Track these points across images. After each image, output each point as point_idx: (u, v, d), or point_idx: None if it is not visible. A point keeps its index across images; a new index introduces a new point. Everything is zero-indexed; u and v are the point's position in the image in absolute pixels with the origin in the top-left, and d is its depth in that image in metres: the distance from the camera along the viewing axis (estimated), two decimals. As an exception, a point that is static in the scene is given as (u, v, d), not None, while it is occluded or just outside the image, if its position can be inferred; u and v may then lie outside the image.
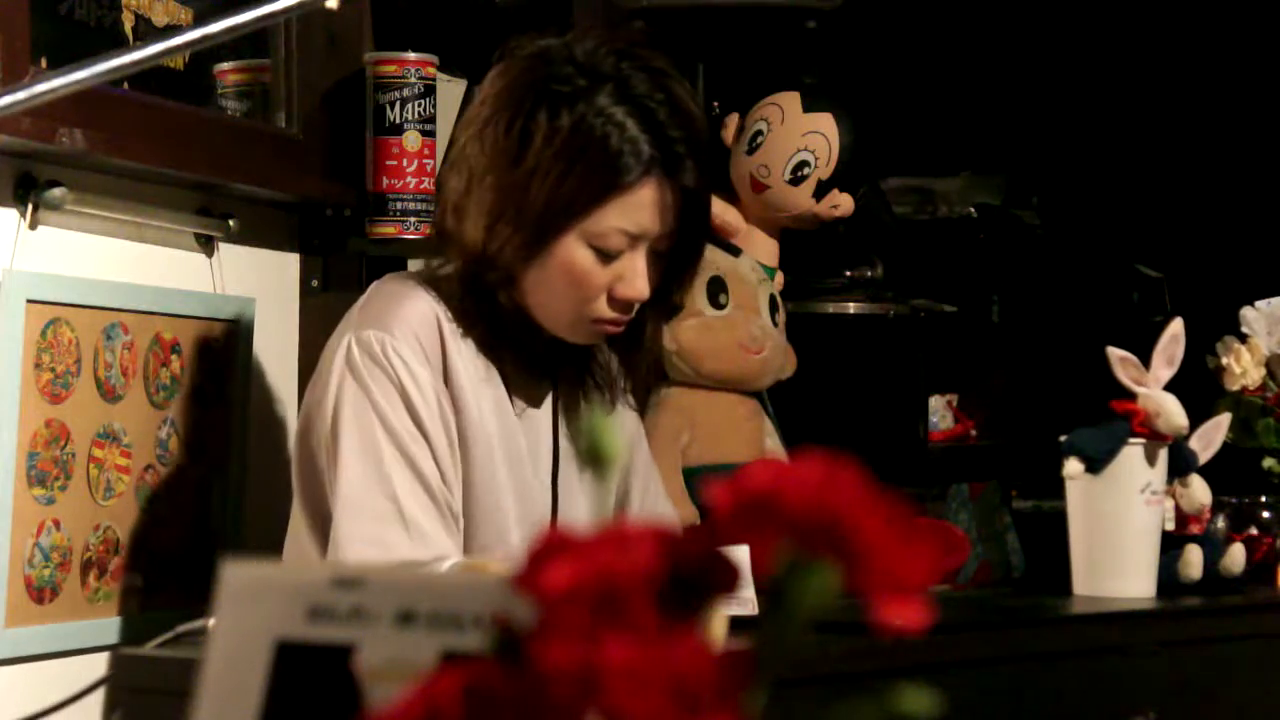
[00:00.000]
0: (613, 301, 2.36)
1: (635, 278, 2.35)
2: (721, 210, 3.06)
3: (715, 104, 3.23)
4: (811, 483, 0.74)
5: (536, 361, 2.46)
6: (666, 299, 2.45)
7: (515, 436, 2.43)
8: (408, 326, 2.35)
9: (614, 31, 2.41)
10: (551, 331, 2.40)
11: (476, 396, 2.39)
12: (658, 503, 2.63)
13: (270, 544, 2.77)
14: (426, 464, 2.32)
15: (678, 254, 2.41)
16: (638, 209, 2.33)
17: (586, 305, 2.36)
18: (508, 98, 2.34)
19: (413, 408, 2.32)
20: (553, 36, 2.40)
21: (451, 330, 2.38)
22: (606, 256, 2.33)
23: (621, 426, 2.56)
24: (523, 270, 2.35)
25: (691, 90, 2.42)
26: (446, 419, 2.35)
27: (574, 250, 2.33)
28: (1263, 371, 2.98)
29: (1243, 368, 2.96)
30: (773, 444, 3.01)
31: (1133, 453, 2.66)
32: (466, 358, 2.39)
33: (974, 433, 3.52)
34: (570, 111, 2.31)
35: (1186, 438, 2.72)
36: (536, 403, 2.47)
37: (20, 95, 1.56)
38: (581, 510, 2.48)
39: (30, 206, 2.46)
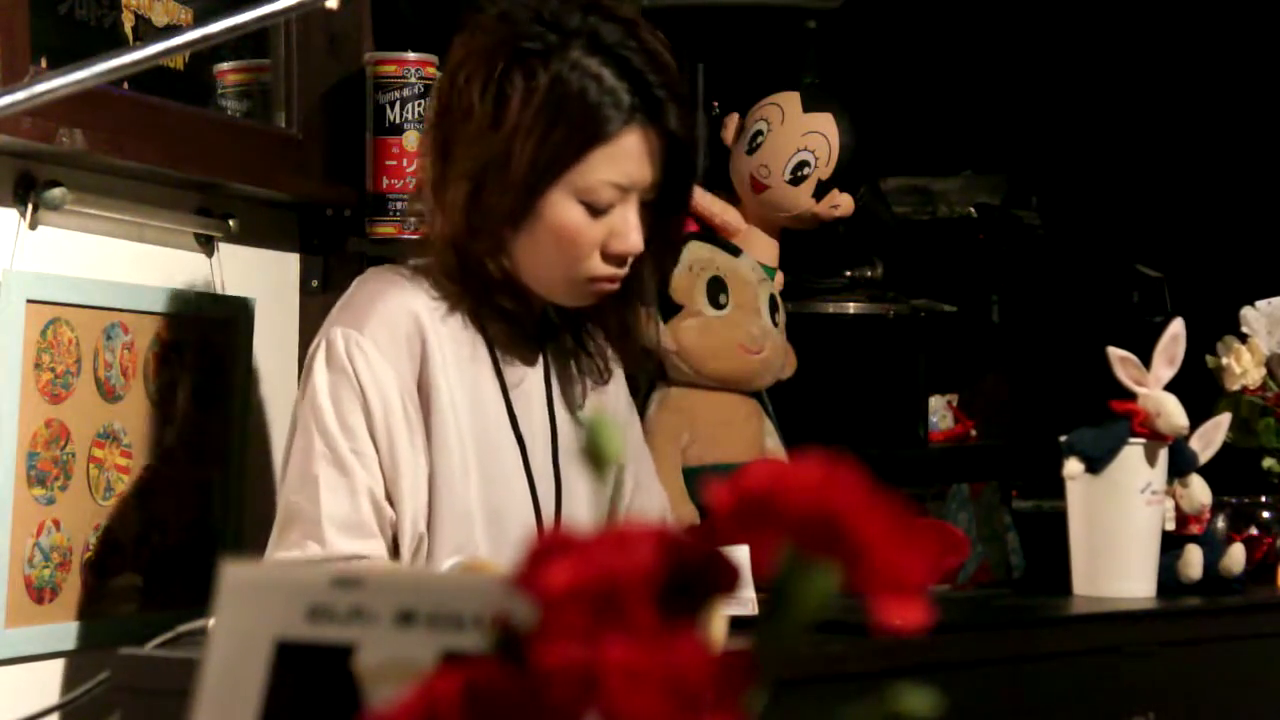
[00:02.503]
0: (606, 258, 2.34)
1: (629, 231, 2.33)
2: (721, 210, 3.07)
3: (715, 104, 3.23)
4: (811, 483, 0.74)
5: (526, 337, 2.44)
6: (658, 254, 2.44)
7: (499, 423, 2.41)
8: (381, 323, 2.33)
9: None
10: (546, 297, 2.39)
11: (456, 388, 2.36)
12: (650, 484, 2.62)
13: (270, 544, 2.77)
14: (355, 463, 2.29)
15: (664, 202, 2.39)
16: (624, 159, 2.32)
17: (580, 264, 2.34)
18: (477, 62, 2.33)
19: (366, 404, 2.30)
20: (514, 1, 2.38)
21: (433, 318, 2.36)
22: (597, 211, 2.32)
23: (614, 401, 2.55)
24: (512, 235, 2.33)
25: (664, 38, 2.40)
26: (410, 419, 2.33)
27: (564, 208, 2.31)
28: (1263, 371, 2.98)
29: (1243, 368, 2.96)
30: (773, 444, 3.01)
31: (1133, 453, 2.66)
32: (450, 344, 2.37)
33: (974, 433, 3.52)
34: (545, 69, 2.30)
35: (1187, 438, 2.72)
36: (529, 379, 2.45)
37: (20, 95, 1.56)
38: (585, 483, 2.46)
39: (30, 206, 2.46)
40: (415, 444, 2.33)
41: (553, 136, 2.29)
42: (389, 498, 2.31)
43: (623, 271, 2.37)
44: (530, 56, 2.31)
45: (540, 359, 2.47)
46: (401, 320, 2.35)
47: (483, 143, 2.30)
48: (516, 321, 2.42)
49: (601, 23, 2.34)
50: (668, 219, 2.42)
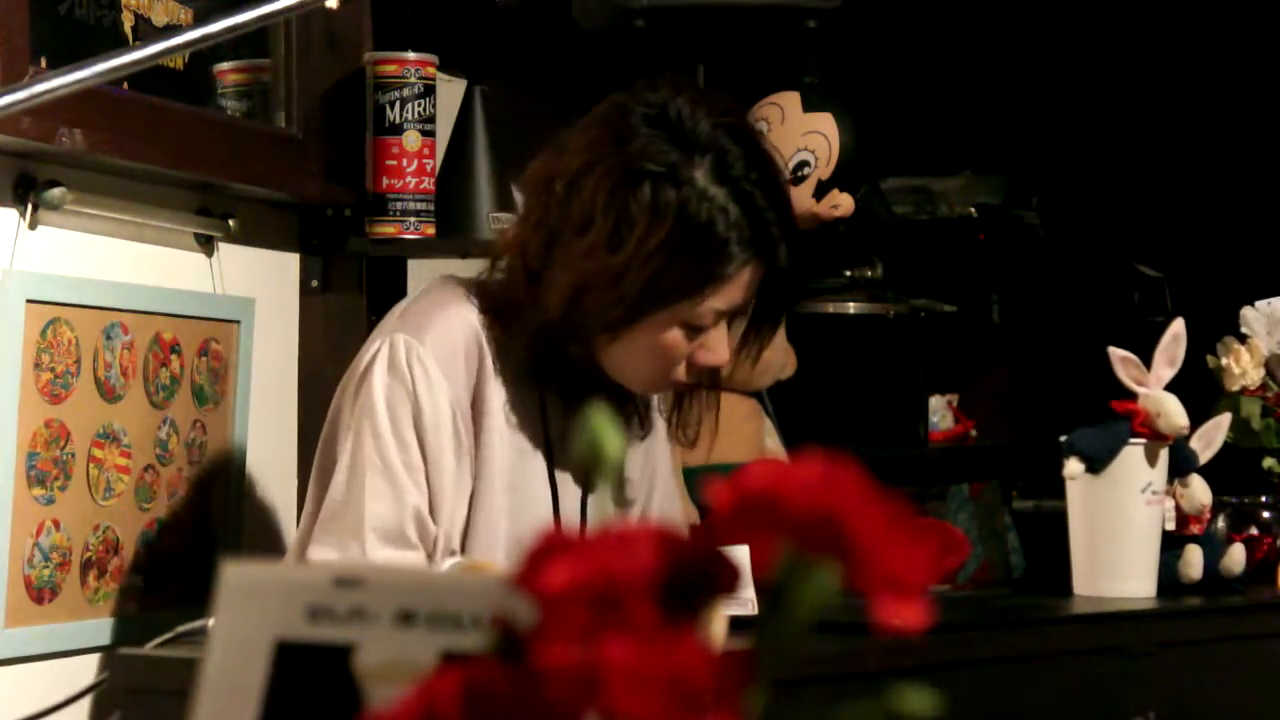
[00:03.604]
0: (691, 368, 2.35)
1: (719, 347, 2.33)
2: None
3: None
4: (811, 483, 0.74)
5: (576, 388, 2.42)
6: (742, 356, 2.45)
7: (536, 464, 2.41)
8: (443, 337, 2.33)
9: (703, 91, 2.37)
10: (618, 382, 2.38)
11: (503, 420, 2.36)
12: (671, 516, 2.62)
13: (270, 544, 2.77)
14: (404, 475, 2.29)
15: (759, 320, 2.41)
16: (733, 290, 2.31)
17: (666, 372, 2.34)
18: (602, 174, 2.27)
19: (419, 417, 2.30)
20: (644, 88, 2.34)
21: (492, 349, 2.35)
22: (695, 331, 2.32)
23: (654, 450, 2.54)
24: (607, 343, 2.32)
25: (779, 161, 2.40)
26: (459, 437, 2.33)
27: (665, 330, 2.30)
28: (1263, 372, 2.98)
29: (1243, 368, 2.96)
30: (773, 444, 3.01)
31: (1133, 453, 2.66)
32: (503, 378, 2.36)
33: (974, 433, 3.52)
34: (675, 192, 2.26)
35: (1187, 438, 2.72)
36: (571, 425, 2.44)
37: (20, 95, 1.56)
38: None
39: (30, 206, 2.46)
40: (461, 462, 2.34)
41: (672, 270, 2.27)
42: (431, 512, 2.31)
43: (701, 378, 2.39)
44: (658, 179, 2.26)
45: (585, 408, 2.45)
46: (461, 336, 2.34)
47: (597, 259, 2.26)
48: (567, 378, 2.40)
49: (730, 143, 2.30)
50: (758, 335, 2.43)
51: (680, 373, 2.35)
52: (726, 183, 2.28)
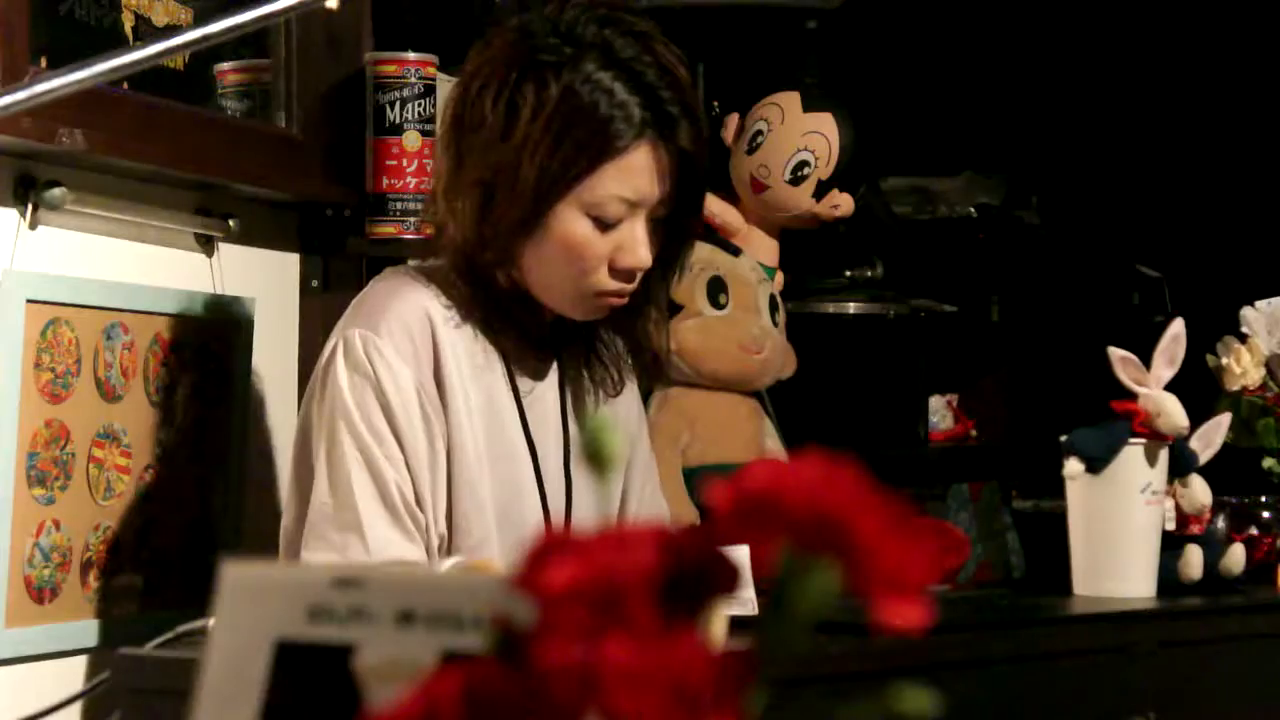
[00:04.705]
0: (614, 272, 2.33)
1: (636, 245, 2.33)
2: (721, 210, 3.07)
3: (715, 104, 3.23)
4: (811, 483, 0.74)
5: (540, 344, 2.44)
6: (667, 267, 2.43)
7: (513, 429, 2.42)
8: (396, 324, 2.34)
9: (595, 2, 2.39)
10: (554, 309, 2.38)
11: (469, 392, 2.37)
12: (655, 497, 2.62)
13: (270, 544, 2.77)
14: (386, 466, 2.29)
15: (676, 218, 2.39)
16: (634, 174, 2.31)
17: (587, 278, 2.33)
18: (491, 72, 2.33)
19: (388, 407, 2.31)
20: (533, 13, 2.39)
21: (446, 323, 2.36)
22: (605, 225, 2.31)
23: (626, 411, 2.55)
24: (521, 247, 2.33)
25: (679, 52, 2.39)
26: (429, 419, 2.33)
27: (572, 221, 2.31)
28: (1263, 371, 2.98)
29: (1243, 368, 2.95)
30: (773, 444, 3.01)
31: (1133, 453, 2.66)
32: (463, 350, 2.37)
33: (974, 433, 3.52)
34: (557, 81, 2.29)
35: (1187, 438, 2.72)
36: (543, 387, 2.46)
37: (20, 95, 1.56)
38: (593, 492, 2.46)
39: (30, 206, 2.46)
40: (435, 444, 2.34)
41: (562, 149, 2.29)
42: (416, 499, 2.32)
43: (630, 286, 2.37)
44: (543, 68, 2.30)
45: (554, 367, 2.47)
46: (415, 321, 2.35)
47: (493, 153, 2.30)
48: (526, 330, 2.41)
49: (616, 35, 2.33)
50: (677, 233, 2.41)
51: (603, 279, 2.33)
52: (614, 66, 2.31)
